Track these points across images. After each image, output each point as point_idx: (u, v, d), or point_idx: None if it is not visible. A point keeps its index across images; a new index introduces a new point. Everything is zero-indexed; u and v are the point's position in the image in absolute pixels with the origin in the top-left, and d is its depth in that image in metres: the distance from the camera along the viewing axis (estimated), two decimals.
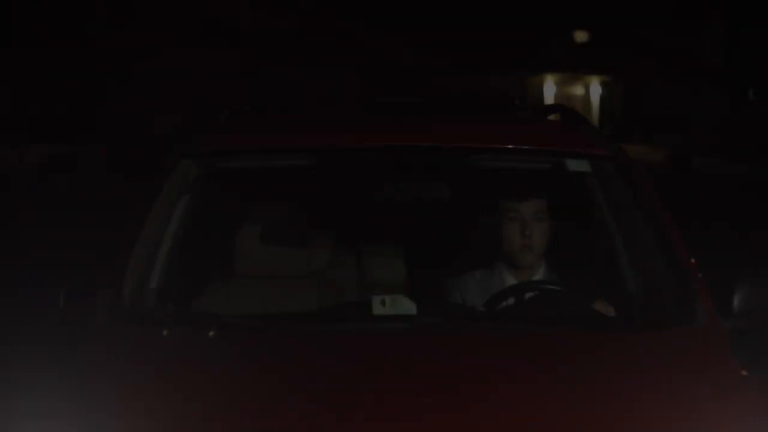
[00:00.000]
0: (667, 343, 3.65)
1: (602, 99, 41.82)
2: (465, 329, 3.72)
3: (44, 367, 3.52)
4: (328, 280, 4.82)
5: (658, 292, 4.02)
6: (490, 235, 4.49)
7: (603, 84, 42.07)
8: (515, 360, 3.46)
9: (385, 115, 4.84)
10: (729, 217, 13.69)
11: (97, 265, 3.97)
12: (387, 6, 34.66)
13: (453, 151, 4.39)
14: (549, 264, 4.48)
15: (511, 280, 4.40)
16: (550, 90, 41.31)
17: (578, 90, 42.32)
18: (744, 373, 3.46)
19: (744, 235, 11.53)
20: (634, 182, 4.28)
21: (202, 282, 4.66)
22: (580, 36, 40.13)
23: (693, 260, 3.95)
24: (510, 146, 4.36)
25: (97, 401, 3.25)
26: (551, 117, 4.98)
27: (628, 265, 4.27)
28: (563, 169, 4.36)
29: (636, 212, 4.21)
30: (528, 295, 4.20)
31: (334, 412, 3.11)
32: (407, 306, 3.71)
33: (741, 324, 3.75)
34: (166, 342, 3.61)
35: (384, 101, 5.14)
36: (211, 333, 3.73)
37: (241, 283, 4.70)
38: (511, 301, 4.17)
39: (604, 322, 3.96)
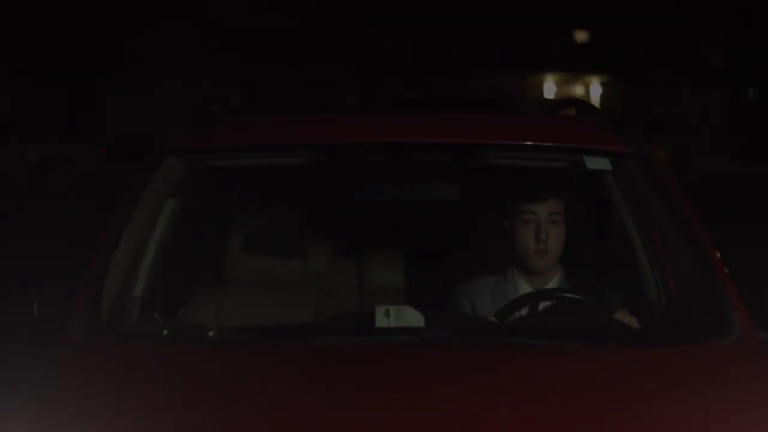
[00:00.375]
0: (700, 358, 3.24)
1: (602, 99, 41.80)
2: (477, 344, 3.32)
3: (11, 377, 3.16)
4: (327, 287, 4.53)
5: (687, 301, 3.65)
6: (502, 239, 4.15)
7: (603, 84, 42.05)
8: (533, 380, 3.07)
9: (389, 110, 4.48)
10: (729, 217, 13.67)
11: (76, 270, 3.56)
12: (387, 6, 34.63)
13: (464, 148, 3.98)
14: (565, 270, 4.15)
15: (524, 287, 4.09)
16: (550, 90, 41.30)
17: (578, 90, 42.30)
18: None
19: (745, 235, 11.51)
20: (660, 181, 3.88)
21: (190, 290, 4.36)
22: (580, 36, 40.12)
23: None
24: (525, 142, 3.95)
25: (65, 424, 2.93)
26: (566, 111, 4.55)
27: (651, 271, 3.94)
28: (581, 168, 3.96)
29: (661, 214, 3.82)
30: (543, 304, 3.87)
31: None
32: (413, 317, 3.35)
33: None
34: (148, 358, 3.23)
35: (382, 97, 4.75)
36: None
37: (233, 291, 4.36)
38: (524, 310, 3.84)
39: (629, 335, 3.54)
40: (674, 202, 3.79)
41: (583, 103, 4.43)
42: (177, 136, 4.09)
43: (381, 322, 3.34)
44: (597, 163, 3.94)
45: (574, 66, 38.89)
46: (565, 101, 4.53)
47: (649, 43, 38.43)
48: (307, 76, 29.43)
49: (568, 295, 3.83)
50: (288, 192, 4.75)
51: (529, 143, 3.95)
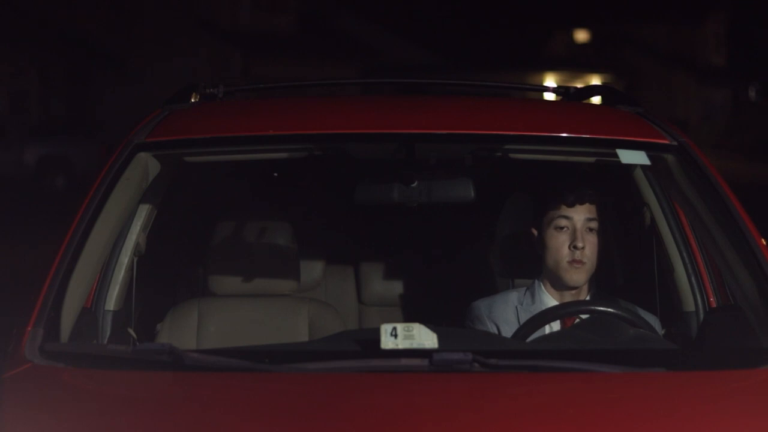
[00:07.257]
0: (756, 382, 2.77)
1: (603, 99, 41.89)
2: (502, 369, 2.74)
3: None
4: (321, 300, 4.09)
5: (736, 317, 3.17)
6: (526, 248, 3.63)
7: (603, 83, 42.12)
8: (572, 413, 2.57)
9: (393, 97, 3.95)
10: None
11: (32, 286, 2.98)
12: (388, 6, 34.62)
13: (480, 140, 3.41)
14: (598, 283, 3.62)
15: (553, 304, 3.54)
16: None
17: None
18: None
19: None
20: (705, 178, 3.29)
21: (169, 303, 3.92)
22: (581, 35, 40.12)
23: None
24: (548, 134, 3.37)
25: None
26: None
27: (688, 279, 3.62)
28: (612, 163, 3.43)
29: (706, 215, 3.25)
30: (574, 320, 3.39)
31: None
32: (426, 337, 2.74)
33: None
34: (110, 386, 2.71)
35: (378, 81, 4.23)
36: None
37: (217, 304, 3.88)
38: (546, 329, 3.35)
39: (672, 356, 3.01)
40: (722, 201, 3.22)
41: (611, 91, 3.88)
42: (150, 127, 3.43)
43: (387, 342, 2.73)
44: (632, 157, 3.38)
45: (574, 65, 38.86)
46: (590, 89, 4.05)
47: (650, 42, 38.43)
48: (308, 76, 29.42)
49: (600, 308, 3.31)
50: (277, 191, 4.35)
51: (551, 134, 3.38)
